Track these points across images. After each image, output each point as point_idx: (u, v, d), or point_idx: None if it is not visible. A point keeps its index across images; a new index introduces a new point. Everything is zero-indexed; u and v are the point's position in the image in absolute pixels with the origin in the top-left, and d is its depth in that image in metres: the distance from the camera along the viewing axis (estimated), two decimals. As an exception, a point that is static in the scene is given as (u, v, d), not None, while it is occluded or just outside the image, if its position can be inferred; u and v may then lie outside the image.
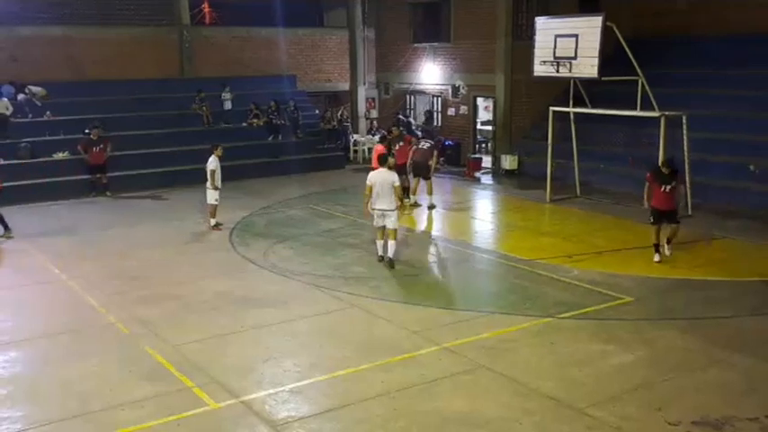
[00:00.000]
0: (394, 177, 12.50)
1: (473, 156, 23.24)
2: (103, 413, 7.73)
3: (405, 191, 18.30)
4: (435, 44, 25.26)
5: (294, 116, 24.00)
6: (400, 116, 25.57)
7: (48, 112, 21.12)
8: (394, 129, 19.23)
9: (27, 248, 14.38)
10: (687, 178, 16.44)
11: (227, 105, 23.95)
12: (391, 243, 12.79)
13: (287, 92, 25.04)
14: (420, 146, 18.21)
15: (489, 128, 24.72)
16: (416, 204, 18.12)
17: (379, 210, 12.54)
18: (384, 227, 12.78)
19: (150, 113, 22.49)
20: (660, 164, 13.54)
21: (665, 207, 12.99)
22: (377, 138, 26.03)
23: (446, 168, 23.22)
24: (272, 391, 8.19)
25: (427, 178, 17.93)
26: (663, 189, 12.93)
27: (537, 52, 17.29)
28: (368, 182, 12.54)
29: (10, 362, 9.16)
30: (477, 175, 22.56)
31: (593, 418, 7.50)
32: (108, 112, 21.52)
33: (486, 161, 23.91)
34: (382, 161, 12.85)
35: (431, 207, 17.81)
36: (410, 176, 18.11)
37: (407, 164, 17.83)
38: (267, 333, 9.99)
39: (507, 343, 9.50)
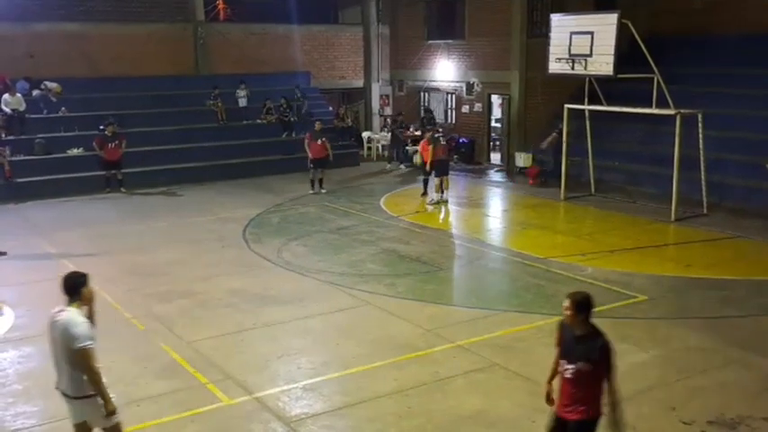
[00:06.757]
0: (78, 330, 5.66)
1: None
2: (118, 409, 7.75)
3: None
4: (450, 41, 25.20)
5: (304, 112, 24.03)
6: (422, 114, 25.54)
7: (63, 108, 21.25)
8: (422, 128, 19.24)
9: (41, 244, 14.47)
10: (702, 177, 16.36)
11: (242, 103, 23.97)
12: None
13: (301, 89, 25.04)
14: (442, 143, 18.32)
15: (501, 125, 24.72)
16: (443, 201, 18.11)
17: (61, 393, 5.99)
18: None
19: (165, 110, 22.60)
20: None
21: None
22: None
23: (460, 166, 23.22)
24: (285, 387, 8.21)
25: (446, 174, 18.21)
26: None
27: (552, 49, 17.20)
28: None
29: (26, 357, 9.24)
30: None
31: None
32: (123, 109, 21.67)
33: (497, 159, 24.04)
34: (72, 289, 5.86)
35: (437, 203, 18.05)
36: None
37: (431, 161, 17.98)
38: (281, 330, 10.01)
39: (521, 341, 9.49)
